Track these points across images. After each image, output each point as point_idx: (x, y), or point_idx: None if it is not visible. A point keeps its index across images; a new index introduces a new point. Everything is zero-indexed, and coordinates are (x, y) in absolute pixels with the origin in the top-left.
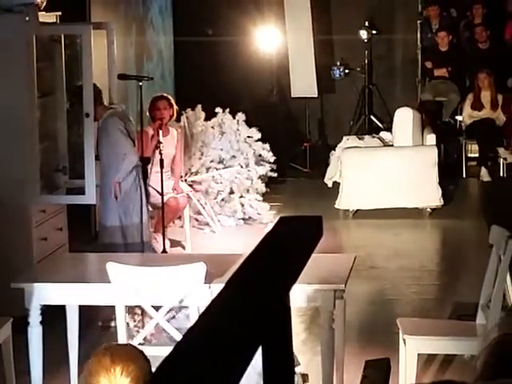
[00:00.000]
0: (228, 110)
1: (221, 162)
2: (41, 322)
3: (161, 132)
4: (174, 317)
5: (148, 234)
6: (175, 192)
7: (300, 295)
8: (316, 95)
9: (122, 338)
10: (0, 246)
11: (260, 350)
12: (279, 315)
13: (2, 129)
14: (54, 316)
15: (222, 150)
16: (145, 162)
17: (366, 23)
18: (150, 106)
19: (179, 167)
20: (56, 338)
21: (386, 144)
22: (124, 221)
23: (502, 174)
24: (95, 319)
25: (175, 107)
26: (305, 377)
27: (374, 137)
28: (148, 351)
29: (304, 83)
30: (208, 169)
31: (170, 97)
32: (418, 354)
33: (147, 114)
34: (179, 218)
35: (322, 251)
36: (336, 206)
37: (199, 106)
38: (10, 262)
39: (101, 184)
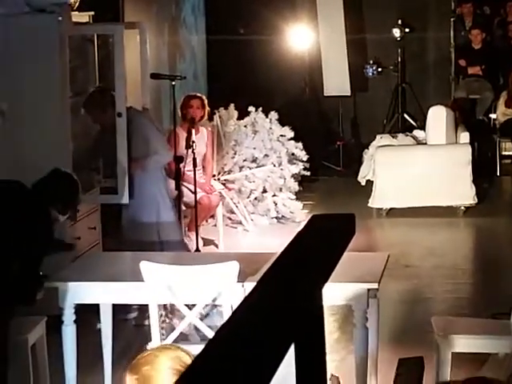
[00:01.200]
0: (261, 108)
1: (254, 160)
2: (75, 321)
3: (194, 131)
4: (207, 315)
5: (176, 232)
6: (207, 190)
7: (333, 294)
8: (349, 94)
9: (155, 337)
10: None
11: (292, 349)
12: (311, 313)
13: (34, 128)
14: (87, 315)
15: (254, 148)
16: (178, 160)
17: (399, 21)
18: (183, 104)
19: (211, 166)
20: (90, 337)
21: (419, 142)
22: (155, 218)
23: None
24: (128, 318)
25: (207, 108)
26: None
27: (407, 135)
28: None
29: (337, 82)
30: (241, 168)
31: (203, 97)
32: (452, 353)
33: (179, 112)
34: (212, 216)
35: (356, 250)
36: (369, 204)
37: (232, 105)
38: (46, 261)
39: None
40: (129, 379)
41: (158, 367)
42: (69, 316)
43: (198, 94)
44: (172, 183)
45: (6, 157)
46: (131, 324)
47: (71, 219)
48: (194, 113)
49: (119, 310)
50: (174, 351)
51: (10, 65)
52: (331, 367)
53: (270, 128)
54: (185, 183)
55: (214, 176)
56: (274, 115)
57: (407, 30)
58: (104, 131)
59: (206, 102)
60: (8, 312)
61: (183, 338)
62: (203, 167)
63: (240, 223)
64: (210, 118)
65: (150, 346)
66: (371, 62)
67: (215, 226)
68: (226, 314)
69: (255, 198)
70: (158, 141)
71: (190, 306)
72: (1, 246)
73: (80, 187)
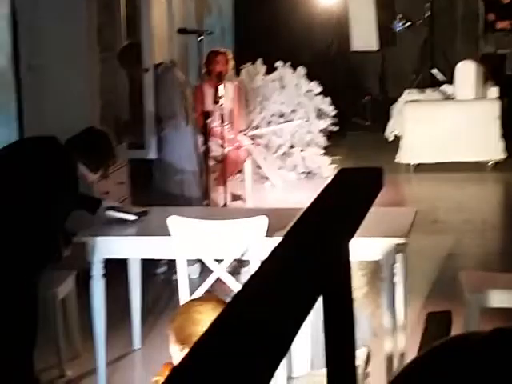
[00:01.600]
0: (288, 63)
1: (281, 116)
2: (103, 276)
3: (228, 86)
4: (236, 271)
5: (199, 188)
6: (235, 145)
7: (361, 249)
8: (376, 48)
9: (183, 291)
10: None
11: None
12: (339, 266)
13: (63, 84)
14: (116, 269)
15: (282, 104)
16: (205, 116)
17: None
18: (208, 59)
19: (238, 121)
20: (118, 292)
21: (447, 97)
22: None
23: None
24: (157, 273)
25: (231, 63)
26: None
27: (435, 90)
28: None
29: (364, 36)
30: (269, 123)
31: (228, 52)
32: (481, 308)
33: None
34: (240, 171)
35: (384, 205)
36: (397, 160)
37: (259, 60)
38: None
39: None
40: (172, 327)
41: (202, 316)
42: (97, 271)
43: (223, 49)
44: (200, 138)
45: (34, 113)
46: (160, 279)
47: (102, 177)
48: (221, 68)
49: (148, 265)
50: (216, 301)
51: (37, 21)
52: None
53: (298, 83)
54: (213, 138)
55: (241, 131)
56: (301, 70)
57: None
58: (133, 86)
59: (230, 56)
60: (36, 267)
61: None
62: (231, 122)
63: (267, 178)
64: (237, 73)
65: (181, 300)
66: (399, 16)
67: (243, 181)
68: (254, 269)
69: (283, 153)
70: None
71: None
72: (27, 201)
73: (114, 147)
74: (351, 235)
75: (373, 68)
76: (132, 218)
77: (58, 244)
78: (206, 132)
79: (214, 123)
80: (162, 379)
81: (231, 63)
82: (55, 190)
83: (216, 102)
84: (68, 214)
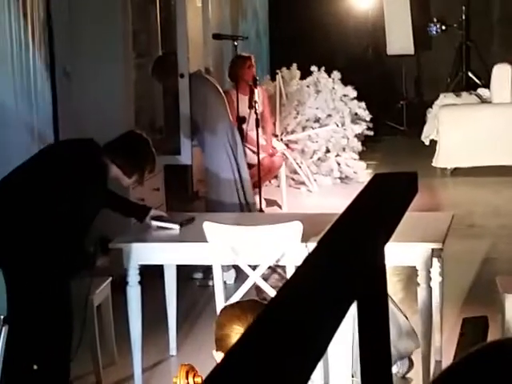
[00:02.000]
0: (323, 68)
1: (317, 120)
2: (139, 282)
3: (257, 91)
4: (271, 276)
5: (250, 193)
6: (269, 152)
7: (396, 254)
8: (412, 52)
9: (219, 297)
10: None
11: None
12: (374, 272)
13: (98, 89)
14: (152, 276)
15: (317, 108)
16: (241, 121)
17: None
18: (237, 65)
19: (269, 124)
20: (154, 298)
21: (483, 101)
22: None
23: None
24: (193, 278)
25: (254, 68)
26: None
27: (471, 93)
28: None
29: (400, 40)
30: (304, 128)
31: (252, 56)
32: None
33: (227, 75)
34: (275, 177)
35: (420, 210)
36: (433, 164)
37: (294, 65)
38: (108, 223)
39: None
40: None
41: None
42: (133, 277)
43: (247, 55)
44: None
45: (71, 118)
46: (195, 284)
47: (137, 183)
48: (253, 72)
49: (184, 271)
50: (258, 305)
51: (73, 26)
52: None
53: (333, 88)
54: (247, 144)
55: (276, 136)
56: (336, 75)
57: None
58: (168, 93)
59: (254, 61)
60: (66, 271)
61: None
62: (262, 127)
63: (303, 184)
64: (273, 78)
65: (217, 305)
66: (435, 20)
67: (278, 186)
68: (289, 275)
69: (318, 159)
70: (220, 106)
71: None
72: (53, 202)
73: (153, 154)
74: (386, 240)
75: (408, 72)
76: (176, 227)
77: (88, 250)
78: (242, 138)
79: (248, 128)
80: (180, 380)
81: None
82: (82, 191)
83: (251, 107)
84: (94, 216)
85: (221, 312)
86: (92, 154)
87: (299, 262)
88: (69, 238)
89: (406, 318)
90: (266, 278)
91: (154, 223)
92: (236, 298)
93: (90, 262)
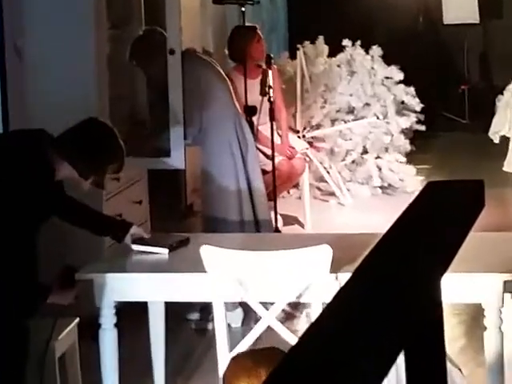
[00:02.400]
0: (359, 42)
1: (350, 111)
2: (115, 324)
3: (271, 73)
4: (290, 317)
5: (264, 207)
6: (287, 153)
7: (456, 288)
8: (477, 21)
9: (221, 344)
10: (60, 225)
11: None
12: (427, 313)
13: (60, 69)
14: (132, 316)
15: (351, 95)
16: (250, 112)
17: None
18: (242, 39)
19: (284, 116)
20: (136, 345)
21: None
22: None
23: None
24: (187, 319)
25: (264, 43)
26: None
27: None
28: None
29: (461, 5)
30: (333, 121)
31: (256, 26)
32: None
33: (226, 51)
34: (295, 186)
35: (486, 229)
36: (504, 168)
37: (321, 38)
38: (75, 247)
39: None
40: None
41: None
42: (108, 317)
43: (251, 24)
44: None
45: (24, 105)
46: (190, 327)
47: (97, 186)
48: (262, 49)
49: (175, 310)
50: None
51: None
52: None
53: (372, 68)
54: (257, 144)
55: (296, 132)
56: (376, 51)
57: None
58: (153, 80)
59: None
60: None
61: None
62: (276, 120)
63: (333, 195)
64: (292, 56)
65: (219, 355)
66: None
67: (299, 198)
68: (315, 315)
69: (353, 161)
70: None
71: (269, 306)
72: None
73: (118, 147)
74: (444, 270)
75: (472, 47)
76: (164, 252)
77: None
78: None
79: (260, 122)
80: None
81: (264, 43)
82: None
83: (264, 93)
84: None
85: (229, 363)
86: (34, 147)
87: (328, 299)
88: (9, 258)
89: (461, 371)
90: (282, 320)
91: (136, 247)
92: (244, 346)
93: (42, 296)
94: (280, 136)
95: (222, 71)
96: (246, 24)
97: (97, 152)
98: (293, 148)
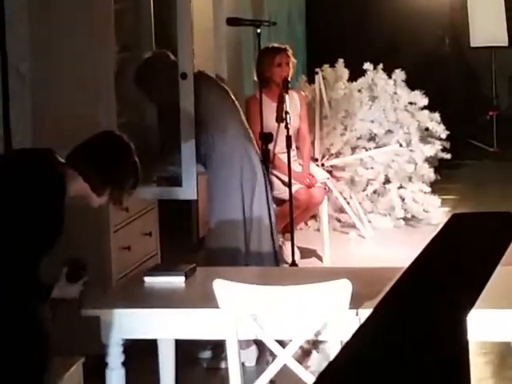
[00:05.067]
0: (381, 66)
1: (372, 139)
2: (123, 363)
3: (287, 97)
4: (308, 355)
5: (272, 239)
6: (306, 182)
7: (483, 325)
8: (506, 44)
9: (235, 383)
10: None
11: None
12: (452, 351)
13: (67, 95)
14: (141, 354)
15: (373, 122)
16: (266, 139)
17: None
18: (264, 61)
19: (307, 144)
20: None
21: None
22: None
23: None
24: (199, 358)
25: (293, 61)
26: None
27: None
28: None
29: (489, 27)
30: (354, 149)
31: (288, 48)
32: None
33: (254, 74)
34: (314, 217)
35: None
36: None
37: (340, 62)
38: (81, 241)
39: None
40: None
41: None
42: (115, 356)
43: (282, 46)
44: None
45: (29, 130)
46: (202, 366)
47: (114, 203)
48: (284, 72)
49: (186, 348)
50: None
51: (28, 12)
52: None
53: (395, 93)
54: (275, 171)
55: (315, 160)
56: (399, 75)
57: None
58: (163, 108)
59: (291, 53)
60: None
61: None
62: (297, 148)
63: (353, 226)
64: (311, 80)
65: None
66: None
67: (318, 230)
68: (334, 353)
69: (374, 192)
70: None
71: (285, 343)
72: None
73: (134, 163)
74: (470, 307)
75: (501, 70)
76: (181, 279)
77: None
78: (267, 162)
79: (277, 149)
80: None
81: (293, 63)
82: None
83: (280, 119)
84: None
85: None
86: (43, 162)
87: (347, 337)
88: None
89: None
90: (299, 359)
91: (148, 279)
92: None
93: (46, 295)
94: (300, 165)
95: (229, 92)
96: (274, 44)
97: (111, 166)
98: (312, 176)
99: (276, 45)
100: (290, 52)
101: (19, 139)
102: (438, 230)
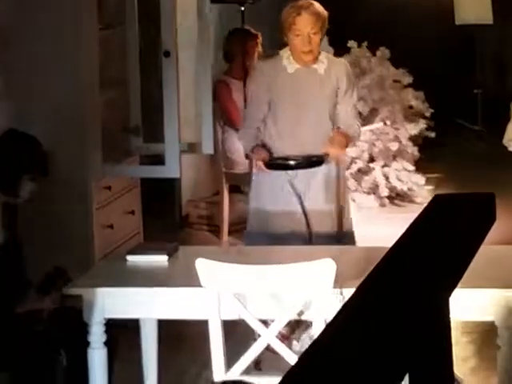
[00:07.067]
0: (365, 43)
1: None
2: (105, 343)
3: None
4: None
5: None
6: None
7: (467, 304)
8: (491, 21)
9: (217, 365)
10: (49, 237)
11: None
12: (434, 331)
13: (49, 74)
14: (123, 334)
15: (358, 100)
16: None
17: None
18: (236, 41)
19: None
20: (126, 364)
21: None
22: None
23: None
24: (180, 337)
25: (259, 51)
26: None
27: None
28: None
29: (474, 5)
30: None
31: (259, 36)
32: None
33: (222, 56)
34: None
35: (499, 243)
36: None
37: (324, 39)
38: (63, 259)
39: None
40: None
41: None
42: (97, 335)
43: (254, 32)
44: None
45: (8, 110)
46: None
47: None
48: (252, 58)
49: (168, 327)
50: None
51: None
52: None
53: (380, 71)
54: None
55: None
56: (384, 53)
57: None
58: (148, 79)
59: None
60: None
61: (255, 366)
62: None
63: None
64: None
65: (215, 376)
66: None
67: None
68: (316, 333)
69: (358, 170)
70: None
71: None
72: None
73: (37, 158)
74: (453, 287)
75: (486, 49)
76: (164, 258)
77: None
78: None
79: None
80: None
81: (259, 54)
82: None
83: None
84: None
85: None
86: None
87: (331, 316)
88: None
89: None
90: (282, 339)
91: (131, 258)
92: (242, 366)
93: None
94: None
95: None
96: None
97: (9, 163)
98: None
99: (248, 28)
100: (259, 40)
101: (3, 123)
102: (421, 210)
